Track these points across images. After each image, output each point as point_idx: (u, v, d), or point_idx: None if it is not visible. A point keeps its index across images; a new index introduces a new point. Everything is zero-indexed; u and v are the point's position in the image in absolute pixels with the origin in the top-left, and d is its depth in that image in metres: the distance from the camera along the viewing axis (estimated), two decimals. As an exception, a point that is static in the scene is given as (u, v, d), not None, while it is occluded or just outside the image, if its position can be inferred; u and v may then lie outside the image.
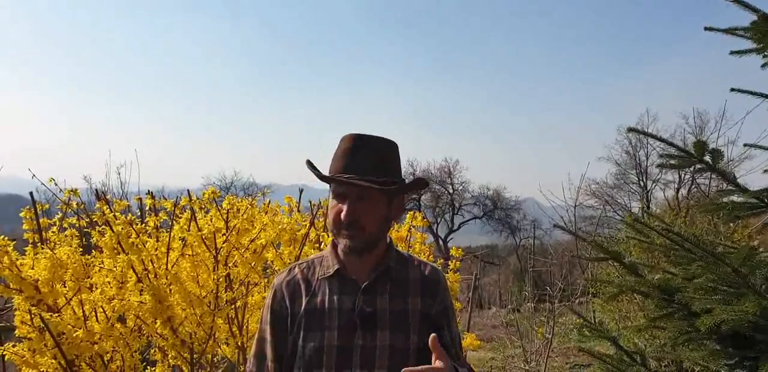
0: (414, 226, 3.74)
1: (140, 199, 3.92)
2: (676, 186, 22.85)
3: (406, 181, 1.59)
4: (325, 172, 1.55)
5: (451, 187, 34.91)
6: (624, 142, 25.96)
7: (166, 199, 3.43)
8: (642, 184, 25.45)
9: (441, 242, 32.89)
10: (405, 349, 1.50)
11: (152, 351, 3.18)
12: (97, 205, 3.05)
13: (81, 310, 2.76)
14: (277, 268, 3.04)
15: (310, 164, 1.55)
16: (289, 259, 3.04)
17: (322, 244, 3.23)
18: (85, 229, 3.19)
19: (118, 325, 2.84)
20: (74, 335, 2.65)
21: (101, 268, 2.90)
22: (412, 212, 3.77)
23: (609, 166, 26.14)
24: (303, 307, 1.54)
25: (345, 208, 1.48)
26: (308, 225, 3.21)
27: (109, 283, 2.85)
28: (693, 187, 20.02)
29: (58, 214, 3.26)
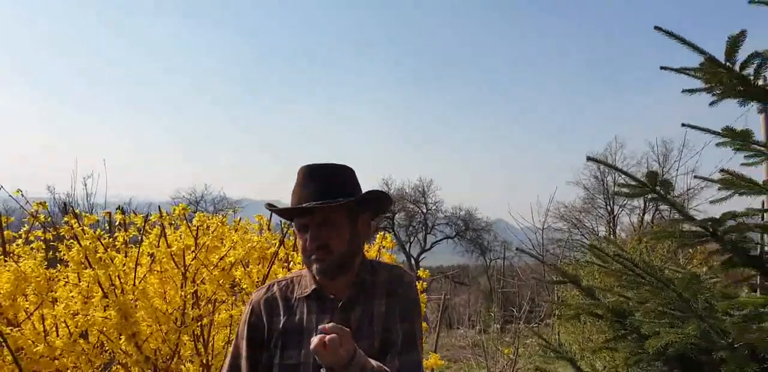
0: (383, 247, 3.80)
1: (109, 213, 3.92)
2: (640, 212, 23.29)
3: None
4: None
5: (424, 206, 35.03)
6: (593, 167, 26.38)
7: (135, 214, 3.44)
8: (609, 208, 25.89)
9: (413, 261, 32.87)
10: (371, 356, 1.51)
11: (114, 367, 3.15)
12: (65, 218, 3.04)
13: (42, 325, 2.73)
14: (244, 287, 3.06)
15: (269, 206, 1.62)
16: (258, 278, 3.06)
17: (291, 263, 3.26)
18: (51, 243, 3.17)
19: (81, 341, 2.81)
20: (34, 350, 2.62)
21: (66, 282, 2.88)
22: (381, 233, 3.83)
23: (578, 191, 26.60)
24: (281, 326, 1.58)
25: (309, 235, 1.54)
26: (278, 244, 3.25)
27: (73, 297, 2.83)
28: (657, 213, 20.46)
29: (24, 226, 3.24)
